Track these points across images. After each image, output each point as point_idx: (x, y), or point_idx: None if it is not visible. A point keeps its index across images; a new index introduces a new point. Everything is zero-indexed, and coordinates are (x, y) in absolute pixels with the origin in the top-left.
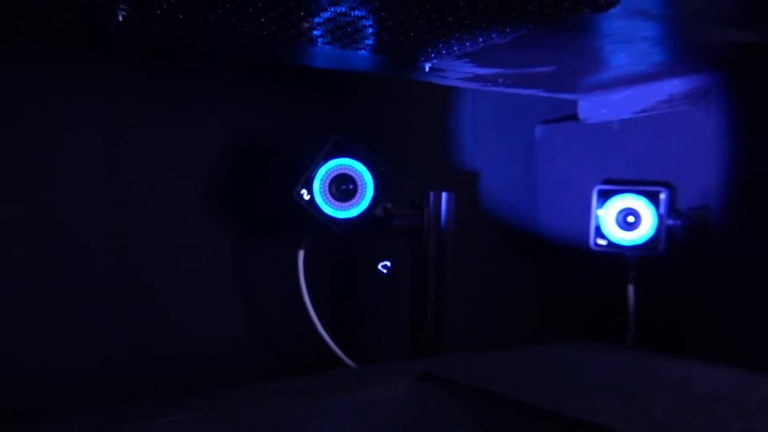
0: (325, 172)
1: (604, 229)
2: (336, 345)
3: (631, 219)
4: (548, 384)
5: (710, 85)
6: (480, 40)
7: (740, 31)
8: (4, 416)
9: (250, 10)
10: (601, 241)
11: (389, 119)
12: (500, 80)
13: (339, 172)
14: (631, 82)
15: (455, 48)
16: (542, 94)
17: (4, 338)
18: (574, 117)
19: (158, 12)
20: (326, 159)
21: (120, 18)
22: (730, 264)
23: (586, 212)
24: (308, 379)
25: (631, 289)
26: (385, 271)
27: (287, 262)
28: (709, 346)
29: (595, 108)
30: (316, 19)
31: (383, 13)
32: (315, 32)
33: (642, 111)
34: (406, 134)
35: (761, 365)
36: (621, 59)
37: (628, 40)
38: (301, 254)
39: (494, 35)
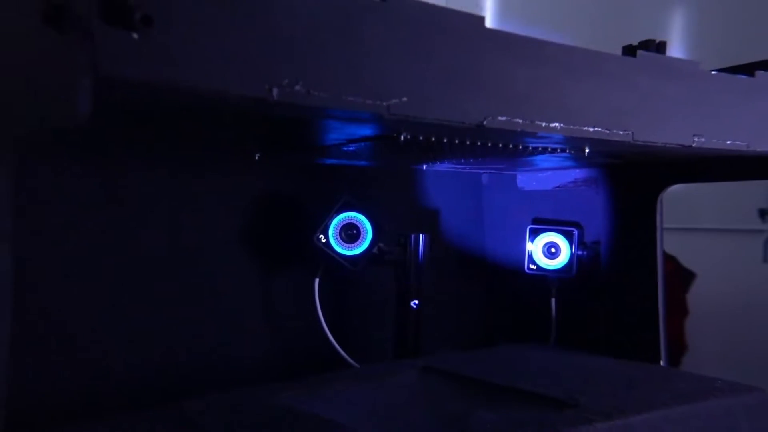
0: (336, 221)
1: (534, 258)
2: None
3: (553, 250)
4: (508, 370)
5: (597, 176)
6: (462, 160)
7: (608, 159)
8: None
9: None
10: (532, 266)
11: (377, 181)
12: (467, 168)
13: (347, 221)
14: (552, 170)
15: (446, 161)
16: (492, 171)
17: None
18: None
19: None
20: (338, 213)
21: (256, 158)
22: (613, 282)
23: (521, 243)
24: (350, 372)
25: (553, 301)
26: (415, 306)
27: (304, 288)
28: (605, 342)
29: (528, 181)
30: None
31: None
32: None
33: (558, 186)
34: (389, 189)
35: (633, 354)
36: (545, 163)
37: (550, 159)
38: (316, 282)
39: (471, 159)
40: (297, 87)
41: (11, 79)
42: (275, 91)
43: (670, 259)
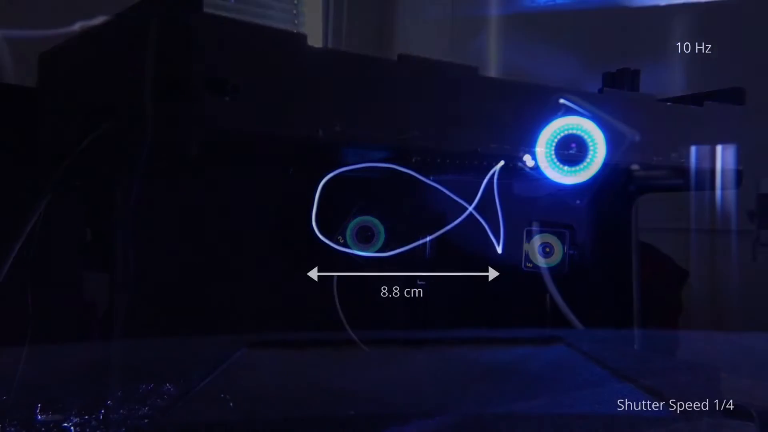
0: (353, 224)
1: (531, 257)
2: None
3: (547, 249)
4: None
5: (582, 185)
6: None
7: None
8: None
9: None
10: (529, 264)
11: (390, 190)
12: (468, 178)
13: (362, 224)
14: (543, 179)
15: (449, 174)
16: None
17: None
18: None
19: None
20: (355, 216)
21: (290, 172)
22: (595, 279)
23: (519, 243)
24: (366, 355)
25: (548, 296)
26: (422, 283)
27: (325, 283)
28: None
29: (523, 189)
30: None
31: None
32: None
33: (549, 194)
34: (400, 196)
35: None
36: (536, 174)
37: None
38: (335, 277)
39: (472, 174)
40: (336, 128)
41: (147, 127)
42: (321, 131)
43: (664, 259)
